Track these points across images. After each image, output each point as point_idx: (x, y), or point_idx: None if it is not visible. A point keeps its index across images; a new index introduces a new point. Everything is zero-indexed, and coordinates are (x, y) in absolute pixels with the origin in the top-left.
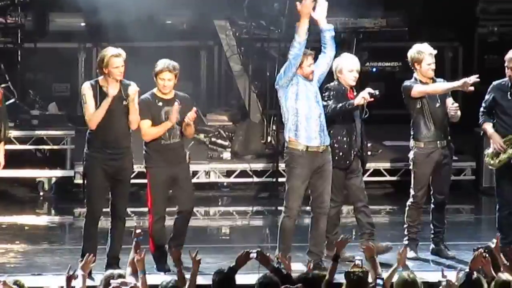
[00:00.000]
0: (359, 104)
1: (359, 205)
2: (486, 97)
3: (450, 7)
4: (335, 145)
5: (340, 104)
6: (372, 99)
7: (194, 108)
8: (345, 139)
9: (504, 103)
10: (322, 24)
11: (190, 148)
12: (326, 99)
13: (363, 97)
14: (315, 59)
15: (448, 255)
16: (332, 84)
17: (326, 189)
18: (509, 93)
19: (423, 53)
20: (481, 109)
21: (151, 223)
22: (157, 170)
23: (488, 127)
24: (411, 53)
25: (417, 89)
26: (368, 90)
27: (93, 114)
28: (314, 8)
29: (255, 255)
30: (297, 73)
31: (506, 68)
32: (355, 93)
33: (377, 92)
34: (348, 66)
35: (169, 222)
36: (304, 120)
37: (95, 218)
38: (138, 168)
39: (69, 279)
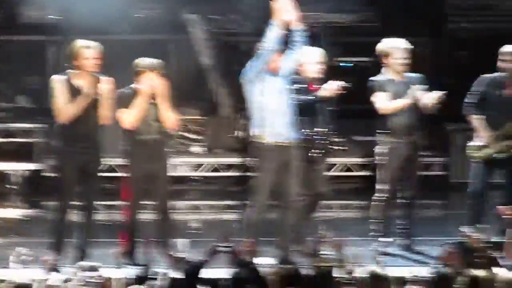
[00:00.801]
0: (324, 97)
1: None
2: (475, 89)
3: (422, 2)
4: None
5: (303, 97)
6: (344, 91)
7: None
8: (308, 132)
9: (495, 98)
10: (291, 24)
11: None
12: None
13: (327, 89)
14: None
15: (416, 250)
16: (294, 76)
17: (293, 183)
18: (501, 88)
19: (392, 47)
20: (469, 100)
21: (128, 218)
22: (134, 164)
23: (477, 120)
24: (381, 47)
25: (379, 106)
26: (335, 82)
27: (66, 108)
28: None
29: (224, 248)
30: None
31: (500, 62)
32: (317, 86)
33: (347, 84)
34: (311, 58)
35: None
36: (272, 116)
37: (64, 211)
38: (107, 161)
39: None
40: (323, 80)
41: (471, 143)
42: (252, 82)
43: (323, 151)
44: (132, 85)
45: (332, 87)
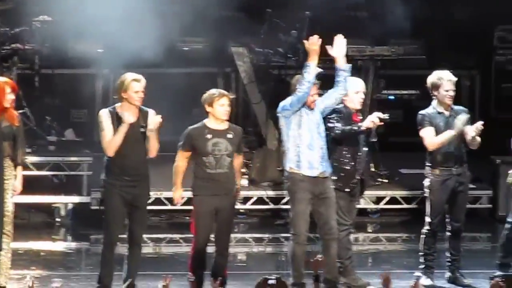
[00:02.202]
0: (368, 128)
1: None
2: None
3: (468, 35)
4: (340, 167)
5: (349, 127)
6: (382, 123)
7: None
8: (349, 162)
9: None
10: (339, 63)
11: None
12: (332, 121)
13: (372, 120)
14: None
15: (464, 283)
16: (338, 106)
17: (331, 215)
18: None
19: (442, 78)
20: None
21: (193, 250)
22: (202, 198)
23: None
24: (431, 79)
25: (427, 142)
26: (377, 114)
27: (110, 141)
28: (332, 45)
29: (273, 282)
30: None
31: None
32: (360, 117)
33: (386, 116)
34: (354, 88)
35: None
36: (306, 150)
37: (112, 244)
38: (155, 195)
39: None
40: (367, 112)
41: (510, 171)
42: (287, 117)
43: (362, 182)
44: (205, 121)
45: (374, 119)
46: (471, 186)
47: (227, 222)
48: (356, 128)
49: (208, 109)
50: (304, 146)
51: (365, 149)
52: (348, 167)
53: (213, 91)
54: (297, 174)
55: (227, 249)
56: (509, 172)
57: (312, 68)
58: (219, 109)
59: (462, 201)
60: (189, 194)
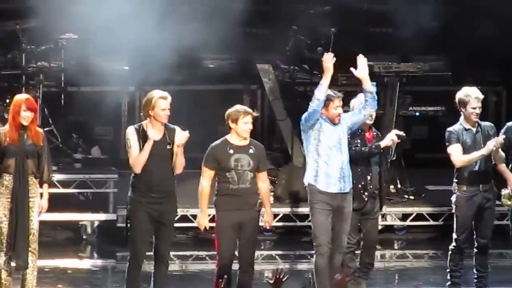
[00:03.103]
0: (386, 146)
1: (367, 245)
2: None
3: (493, 51)
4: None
5: (368, 147)
6: (399, 140)
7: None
8: (358, 180)
9: None
10: (365, 85)
11: None
12: (355, 140)
13: (392, 139)
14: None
15: None
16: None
17: (344, 229)
18: None
19: (469, 96)
20: None
21: (217, 267)
22: (224, 214)
23: (503, 167)
24: (459, 95)
25: (455, 159)
26: (395, 131)
27: (136, 158)
28: (355, 65)
29: None
30: (322, 115)
31: None
32: (373, 132)
33: (403, 134)
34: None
35: None
36: (324, 165)
37: (139, 262)
38: (181, 211)
39: None
40: (392, 128)
41: (502, 191)
42: (306, 132)
43: (374, 200)
44: (227, 136)
45: (393, 137)
46: (498, 202)
47: (251, 237)
48: (374, 148)
49: (231, 125)
50: (322, 161)
51: (377, 166)
52: (358, 186)
53: (238, 107)
54: (314, 187)
55: (252, 266)
56: (502, 192)
57: (323, 87)
58: (242, 126)
59: (489, 218)
60: (212, 211)
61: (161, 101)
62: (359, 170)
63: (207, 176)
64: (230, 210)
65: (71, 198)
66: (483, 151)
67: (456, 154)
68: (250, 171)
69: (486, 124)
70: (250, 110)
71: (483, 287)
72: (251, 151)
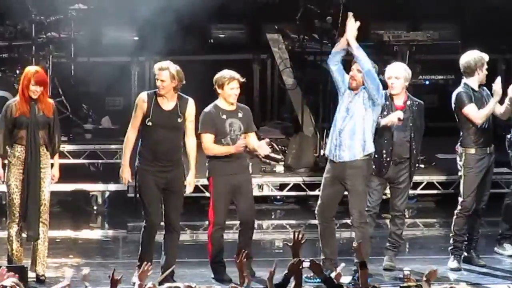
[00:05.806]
0: (386, 125)
1: (392, 214)
2: None
3: (502, 19)
4: (374, 155)
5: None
6: (400, 123)
7: (267, 140)
8: (379, 149)
9: None
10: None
11: None
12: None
13: (391, 120)
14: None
15: (479, 263)
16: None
17: (351, 203)
18: None
19: (483, 59)
20: None
21: (210, 233)
22: (220, 179)
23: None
24: (474, 58)
25: (474, 116)
26: (398, 114)
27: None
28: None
29: (308, 264)
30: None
31: None
32: (408, 101)
33: (401, 116)
34: (386, 74)
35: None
36: (334, 134)
37: (152, 228)
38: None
39: (114, 283)
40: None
41: None
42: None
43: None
44: (216, 102)
45: (393, 119)
46: (504, 170)
47: (249, 198)
48: (376, 124)
49: (218, 90)
50: (334, 130)
51: (403, 135)
52: (377, 154)
53: (224, 73)
54: (327, 156)
55: (254, 222)
56: None
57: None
58: (229, 92)
59: (488, 181)
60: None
61: (157, 72)
62: (381, 139)
63: (209, 140)
64: (227, 175)
65: (81, 169)
66: (495, 98)
67: (475, 111)
68: (241, 135)
69: (485, 89)
70: (236, 75)
71: (471, 250)
72: (240, 115)
